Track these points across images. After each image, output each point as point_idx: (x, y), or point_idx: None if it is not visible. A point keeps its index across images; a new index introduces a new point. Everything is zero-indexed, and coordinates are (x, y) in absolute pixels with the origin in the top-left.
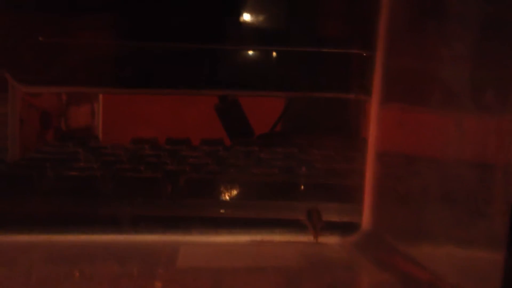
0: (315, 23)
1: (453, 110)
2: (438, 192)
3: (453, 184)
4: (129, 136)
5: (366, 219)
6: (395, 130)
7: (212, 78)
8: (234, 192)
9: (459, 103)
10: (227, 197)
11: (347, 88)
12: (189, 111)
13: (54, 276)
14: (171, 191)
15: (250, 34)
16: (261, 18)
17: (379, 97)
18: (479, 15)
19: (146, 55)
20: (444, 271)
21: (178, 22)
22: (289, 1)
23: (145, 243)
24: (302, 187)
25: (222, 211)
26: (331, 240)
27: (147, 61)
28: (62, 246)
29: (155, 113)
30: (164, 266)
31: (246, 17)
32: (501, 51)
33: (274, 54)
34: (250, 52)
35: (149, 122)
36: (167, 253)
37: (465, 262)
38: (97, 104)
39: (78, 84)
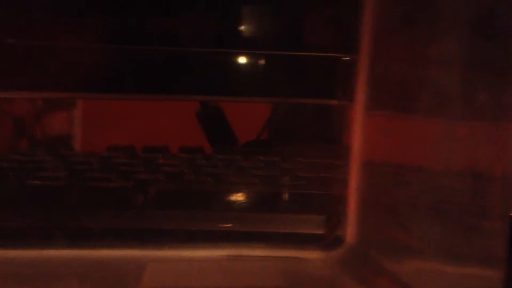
0: (297, 26)
1: (444, 117)
2: (427, 204)
3: (443, 195)
4: (110, 144)
5: (350, 232)
6: (381, 138)
7: (193, 83)
8: (211, 203)
9: (450, 109)
10: (203, 209)
11: (331, 94)
12: (171, 118)
13: None
14: (142, 201)
15: (232, 37)
16: (242, 21)
17: (363, 103)
18: (471, 15)
19: (125, 60)
20: None
21: (158, 26)
22: (271, 4)
23: (111, 259)
24: (284, 197)
25: (196, 223)
26: (313, 255)
27: (126, 65)
28: (20, 263)
29: (136, 120)
30: (126, 285)
31: (228, 20)
32: (495, 54)
33: (256, 58)
34: (232, 56)
35: (130, 130)
36: (134, 270)
37: (456, 280)
38: (76, 111)
39: (52, 90)
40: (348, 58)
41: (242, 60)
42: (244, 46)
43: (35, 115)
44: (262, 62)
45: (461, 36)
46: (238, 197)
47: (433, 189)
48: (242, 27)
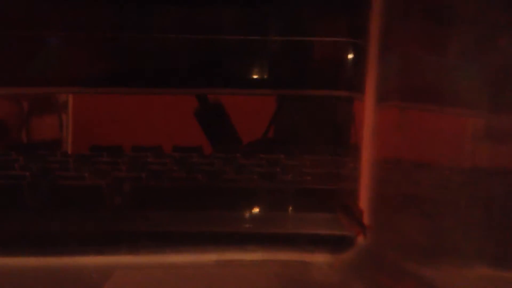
0: (300, 10)
1: (469, 110)
2: (463, 201)
3: (481, 192)
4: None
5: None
6: (394, 133)
7: (190, 75)
8: (200, 202)
9: (475, 102)
10: (191, 209)
11: (339, 85)
12: (167, 117)
13: None
14: (118, 202)
15: (232, 24)
16: (242, 5)
17: (373, 94)
18: None
19: (116, 49)
20: None
21: (152, 12)
22: None
23: (75, 267)
24: (286, 194)
25: (182, 225)
26: (318, 258)
27: (117, 55)
28: None
29: (128, 120)
30: None
31: (226, 4)
32: None
33: (259, 45)
34: (233, 44)
35: (122, 130)
36: (94, 280)
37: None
38: (66, 115)
39: (37, 85)
40: (357, 42)
41: (244, 47)
42: (245, 33)
43: (23, 119)
44: (268, 50)
45: (488, 19)
46: (233, 195)
47: (466, 185)
48: (243, 12)
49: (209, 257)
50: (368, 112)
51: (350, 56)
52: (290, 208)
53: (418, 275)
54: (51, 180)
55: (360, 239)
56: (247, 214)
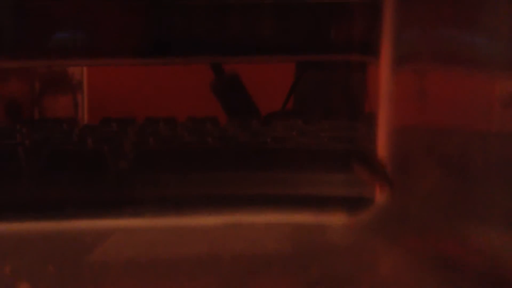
0: None
1: (497, 72)
2: (490, 165)
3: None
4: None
5: (381, 191)
6: (414, 99)
7: (203, 43)
8: (209, 164)
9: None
10: (199, 171)
11: (354, 49)
12: (185, 90)
13: None
14: (124, 166)
15: None
16: None
17: (390, 58)
18: None
19: (131, 17)
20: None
21: None
22: None
23: (70, 231)
24: (299, 155)
25: (188, 187)
26: (333, 220)
27: (131, 24)
28: None
29: (147, 96)
30: (63, 260)
31: None
32: None
33: (270, 8)
34: (243, 8)
35: (141, 109)
36: (88, 242)
37: None
38: (81, 94)
39: (51, 57)
40: (371, 3)
41: (254, 11)
42: None
43: (35, 98)
44: (280, 12)
45: None
46: (245, 157)
47: (492, 149)
48: None
49: (217, 219)
50: (384, 78)
51: (364, 17)
52: (304, 169)
53: (446, 233)
54: (50, 146)
55: (382, 197)
56: (258, 176)
